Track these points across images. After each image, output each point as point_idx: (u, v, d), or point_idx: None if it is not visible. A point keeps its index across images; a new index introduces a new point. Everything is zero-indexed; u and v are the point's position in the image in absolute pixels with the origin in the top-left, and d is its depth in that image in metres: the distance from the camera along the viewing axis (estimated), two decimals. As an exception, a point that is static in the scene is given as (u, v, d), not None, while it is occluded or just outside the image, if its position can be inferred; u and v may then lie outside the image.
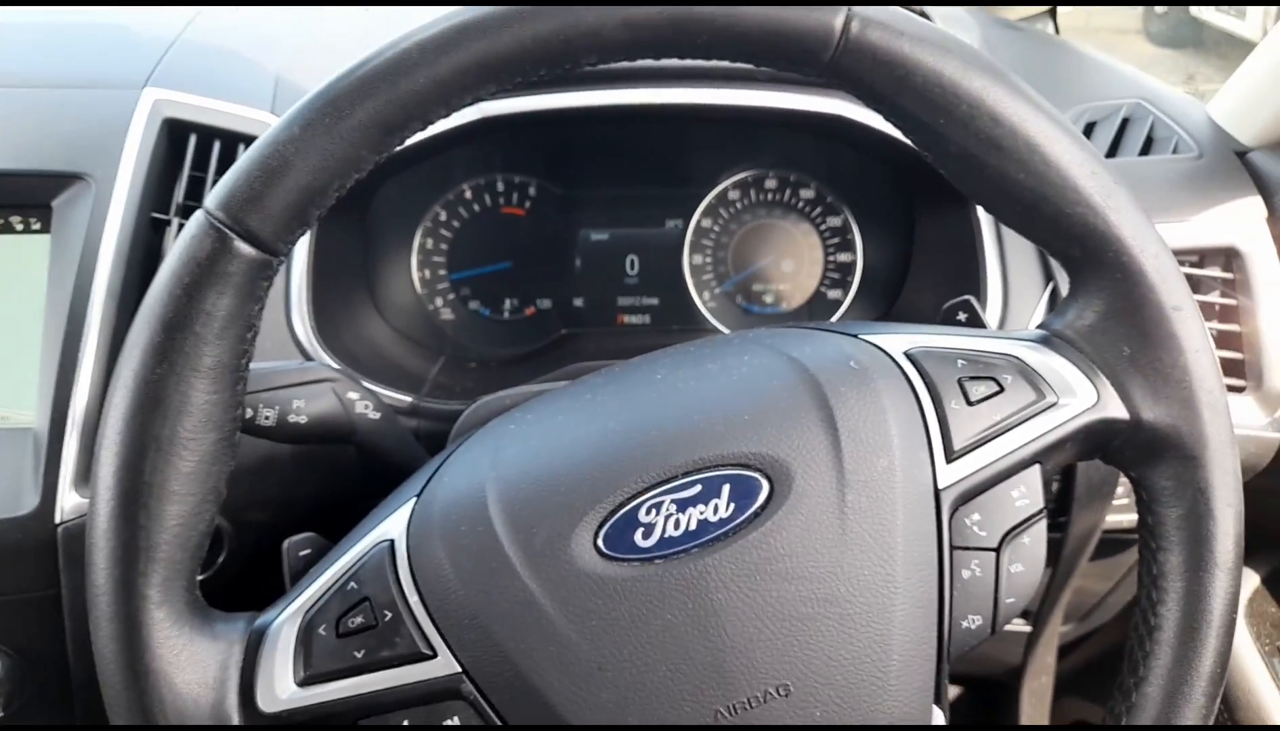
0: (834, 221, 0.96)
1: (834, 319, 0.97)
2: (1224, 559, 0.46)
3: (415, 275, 0.95)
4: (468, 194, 0.95)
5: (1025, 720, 0.94)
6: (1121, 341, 0.47)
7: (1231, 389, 0.81)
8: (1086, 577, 0.91)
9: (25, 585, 0.72)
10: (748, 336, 0.53)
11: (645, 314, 0.97)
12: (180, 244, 0.44)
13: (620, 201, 0.96)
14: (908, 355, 0.49)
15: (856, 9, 0.44)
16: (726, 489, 0.45)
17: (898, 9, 0.45)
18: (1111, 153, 0.87)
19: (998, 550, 0.46)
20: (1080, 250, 0.47)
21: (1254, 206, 0.83)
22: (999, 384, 0.47)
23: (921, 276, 0.92)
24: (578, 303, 0.97)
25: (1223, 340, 0.82)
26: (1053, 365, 0.48)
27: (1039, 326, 0.51)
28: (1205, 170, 0.85)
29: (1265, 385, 0.80)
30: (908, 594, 0.44)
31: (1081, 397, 0.47)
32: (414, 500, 0.49)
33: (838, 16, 0.43)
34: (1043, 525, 0.47)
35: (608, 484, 0.45)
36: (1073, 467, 0.80)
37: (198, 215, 0.43)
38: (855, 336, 0.51)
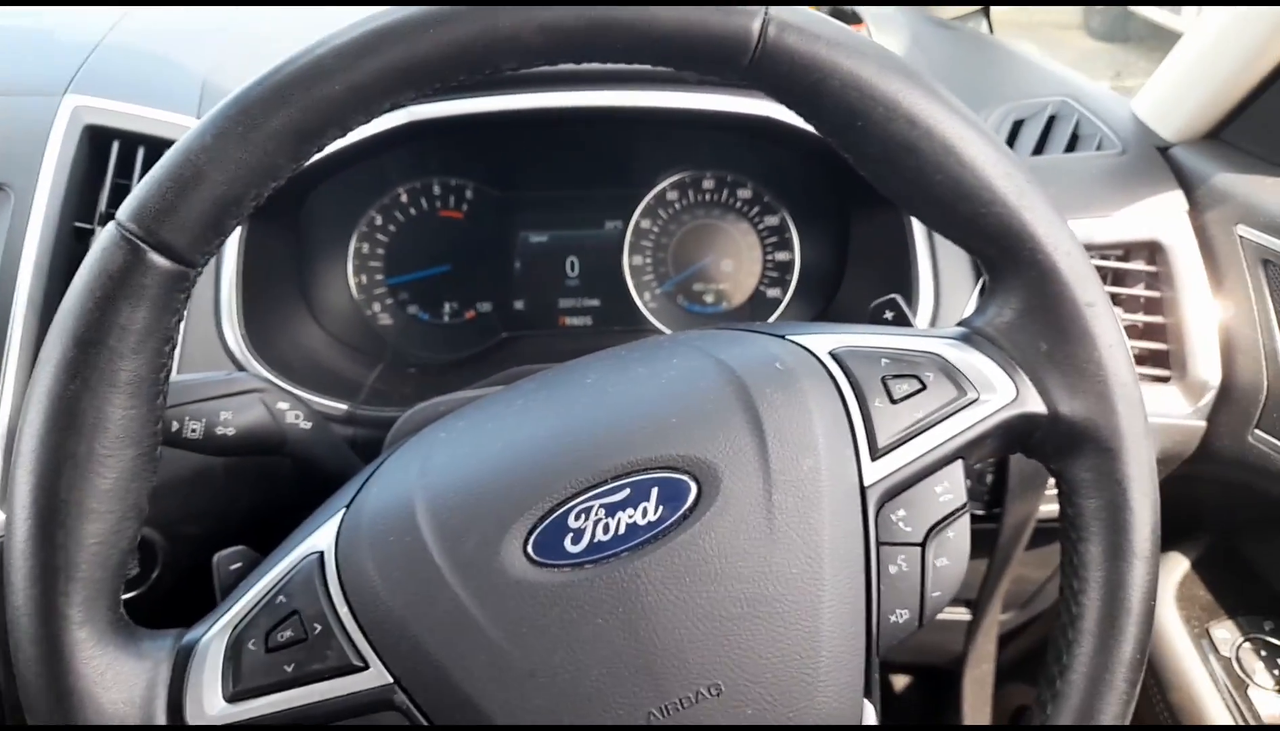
0: (771, 220, 0.97)
1: (773, 317, 0.97)
2: (1141, 548, 0.47)
3: (351, 281, 0.94)
4: (404, 197, 0.94)
5: (967, 708, 0.96)
6: (1038, 338, 0.48)
7: (1157, 379, 0.84)
8: (1025, 566, 0.93)
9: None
10: (678, 339, 0.53)
11: (586, 315, 0.97)
12: (92, 257, 0.42)
13: (559, 203, 0.96)
14: (833, 355, 0.49)
15: (773, 12, 0.44)
16: (655, 492, 0.45)
17: (814, 12, 0.46)
18: (1038, 150, 0.89)
19: (923, 545, 0.47)
20: (996, 250, 0.48)
21: (1176, 201, 0.85)
22: (921, 381, 0.48)
23: (857, 275, 0.93)
24: (518, 305, 0.97)
25: (1148, 332, 0.85)
26: (973, 362, 0.49)
27: (960, 324, 0.52)
28: (1128, 166, 0.87)
29: (1189, 375, 0.82)
30: (835, 590, 0.45)
31: (1001, 393, 0.48)
32: (343, 511, 0.48)
33: (755, 20, 0.44)
34: (966, 519, 0.48)
35: (536, 490, 0.45)
36: (1005, 460, 0.82)
37: (110, 227, 0.42)
38: (783, 337, 0.51)
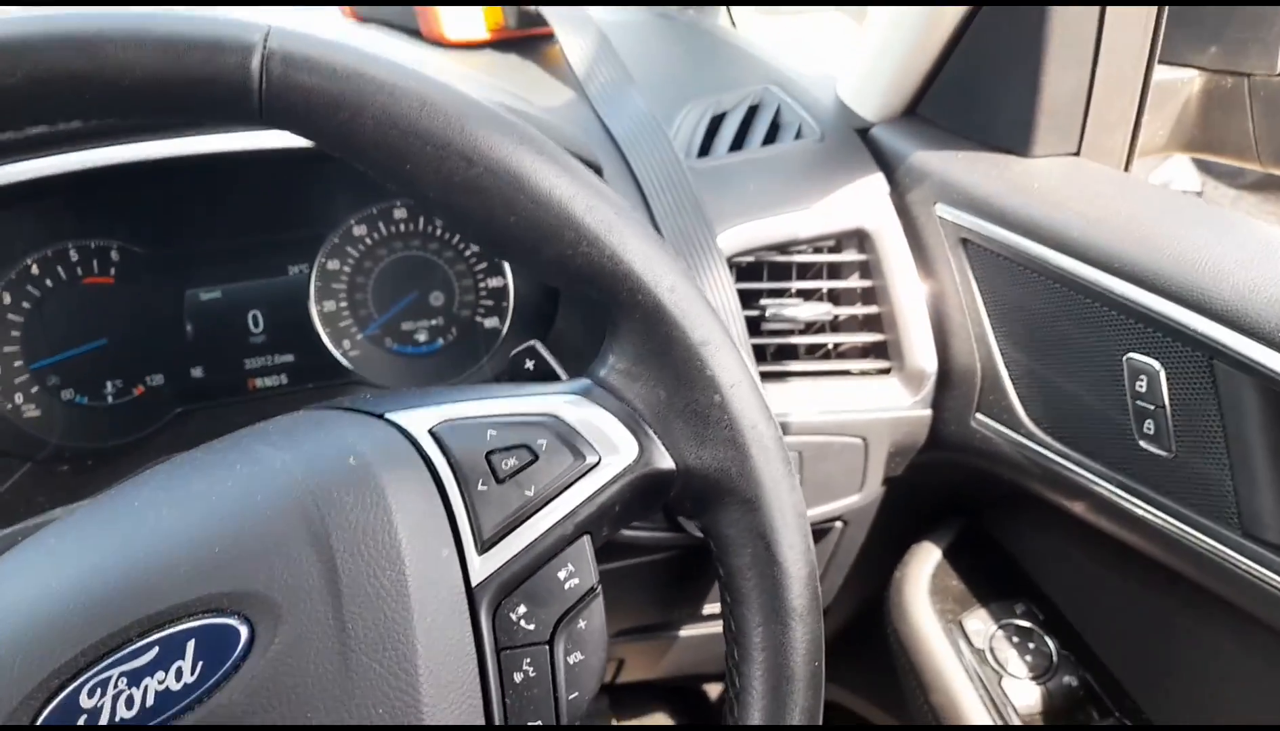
0: (477, 245, 0.89)
1: (494, 349, 0.89)
2: (797, 604, 0.42)
3: (-19, 372, 0.79)
4: (34, 269, 0.80)
5: None
6: (657, 385, 0.42)
7: (880, 371, 0.81)
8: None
9: None
10: (257, 434, 0.44)
11: (281, 374, 0.86)
12: None
13: (228, 254, 0.84)
14: (432, 433, 0.42)
15: (274, 44, 0.36)
16: (191, 646, 0.36)
17: (322, 38, 0.37)
18: (737, 145, 0.84)
19: (550, 642, 0.40)
20: (597, 291, 0.42)
21: (877, 184, 0.82)
22: (532, 451, 0.41)
23: (570, 301, 0.86)
24: (196, 373, 0.84)
25: (867, 323, 0.82)
26: (591, 419, 0.42)
27: (584, 375, 0.45)
28: (828, 152, 0.84)
29: (908, 364, 0.79)
30: (441, 719, 0.37)
31: (624, 452, 0.42)
32: None
33: (253, 58, 0.35)
34: (598, 603, 0.41)
35: (37, 667, 0.35)
36: None
37: None
38: (380, 416, 0.43)
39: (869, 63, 0.87)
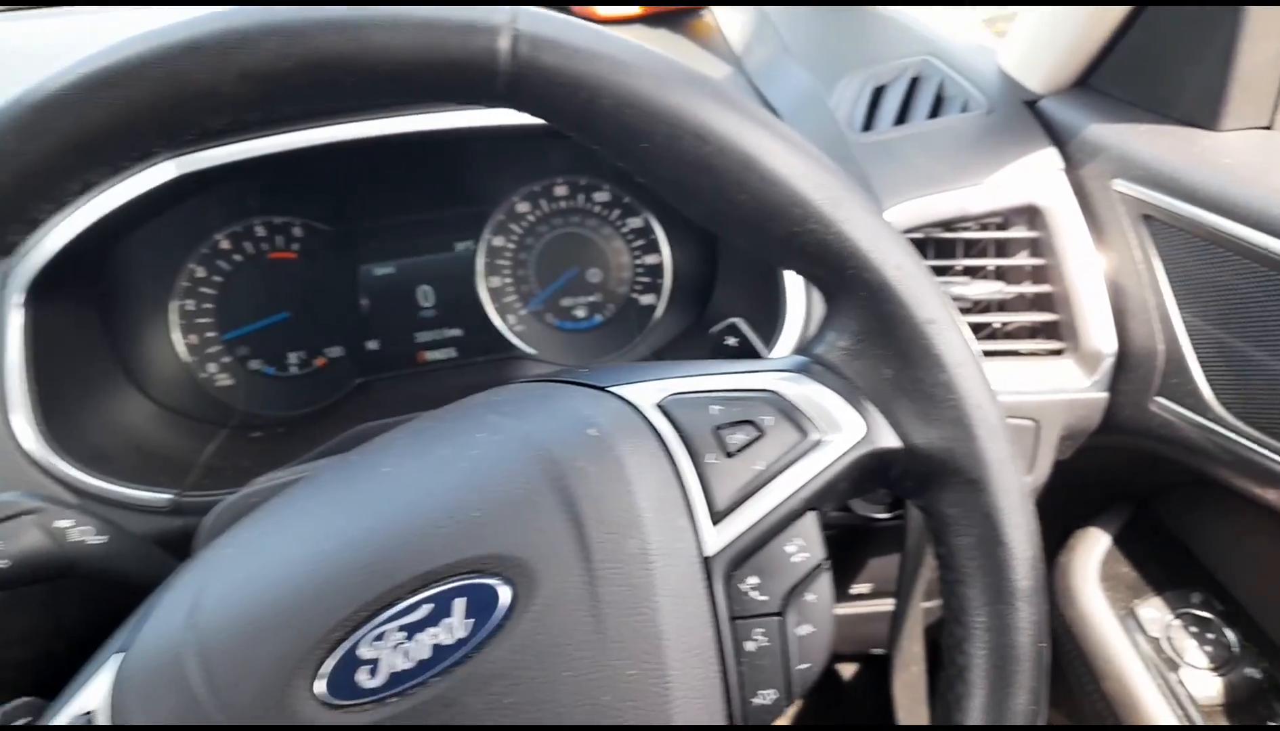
0: (635, 222, 0.90)
1: (650, 325, 0.91)
2: (1022, 586, 0.42)
3: (179, 342, 0.85)
4: (225, 244, 0.85)
5: (901, 713, 0.91)
6: (880, 363, 0.42)
7: (1051, 352, 0.79)
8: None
9: None
10: (489, 404, 0.46)
11: (449, 347, 0.90)
12: None
13: (401, 230, 0.87)
14: (660, 407, 0.43)
15: (523, 25, 0.37)
16: (461, 604, 0.38)
17: (572, 21, 0.39)
18: (901, 118, 0.83)
19: (781, 613, 0.41)
20: (822, 269, 0.42)
21: (1050, 158, 0.80)
22: (758, 427, 0.42)
23: (729, 277, 0.86)
24: (372, 345, 0.88)
25: (1037, 303, 0.80)
26: (813, 397, 0.43)
27: (799, 351, 0.46)
28: (996, 125, 0.82)
29: (1083, 345, 0.77)
30: (685, 684, 0.39)
31: (848, 431, 0.42)
32: (120, 656, 0.41)
33: (501, 38, 0.37)
34: (827, 578, 0.42)
35: (320, 620, 0.38)
36: None
37: None
38: (604, 390, 0.44)
39: (1038, 33, 0.85)
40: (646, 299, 0.91)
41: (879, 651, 1.08)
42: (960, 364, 0.41)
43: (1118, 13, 0.76)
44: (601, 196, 0.89)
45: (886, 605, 0.98)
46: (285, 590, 0.39)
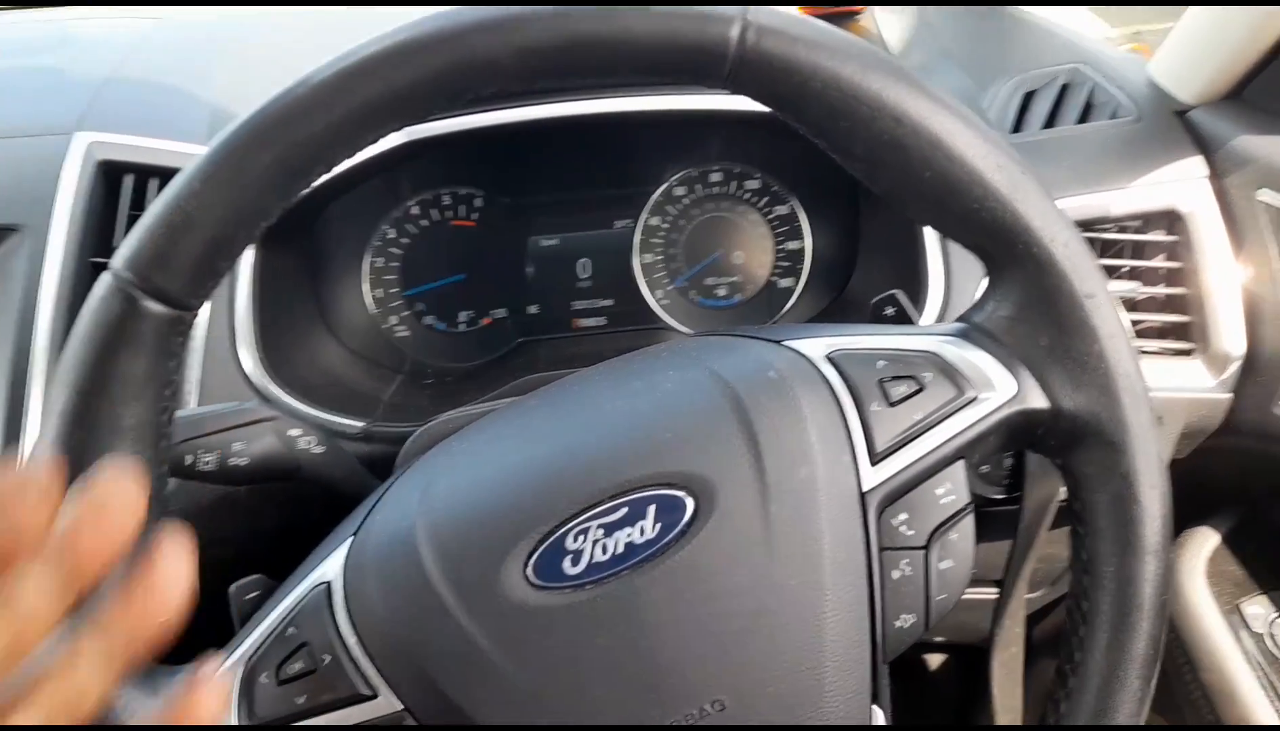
0: (781, 210, 0.96)
1: (786, 306, 0.97)
2: (1151, 542, 0.46)
3: (368, 295, 0.95)
4: (415, 210, 0.95)
5: (997, 691, 0.95)
6: (1038, 332, 0.47)
7: (1179, 352, 0.82)
8: (1054, 544, 0.92)
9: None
10: (675, 349, 0.53)
11: (600, 316, 0.98)
12: (89, 306, 0.44)
13: (568, 206, 0.96)
14: (829, 359, 0.49)
15: (752, 16, 0.44)
16: (652, 510, 0.45)
17: (794, 13, 0.45)
18: (1050, 122, 0.87)
19: (926, 548, 0.47)
20: (992, 243, 0.47)
21: (1195, 167, 0.83)
22: (919, 382, 0.48)
23: (869, 263, 0.92)
24: (532, 310, 0.97)
25: (1169, 304, 0.83)
26: (971, 359, 0.48)
27: (959, 319, 0.51)
28: (1144, 133, 0.85)
29: (1213, 347, 0.80)
30: (837, 599, 0.45)
31: (1001, 390, 0.48)
32: (351, 538, 0.49)
33: (733, 28, 0.43)
34: (969, 520, 0.48)
35: (533, 513, 0.45)
36: None
37: (105, 276, 0.43)
38: (778, 343, 0.51)
39: (1192, 44, 0.87)
40: (785, 282, 0.97)
41: (969, 642, 1.12)
42: (1113, 336, 0.46)
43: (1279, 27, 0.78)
44: (752, 184, 0.96)
45: (985, 594, 1.02)
46: (506, 487, 0.47)
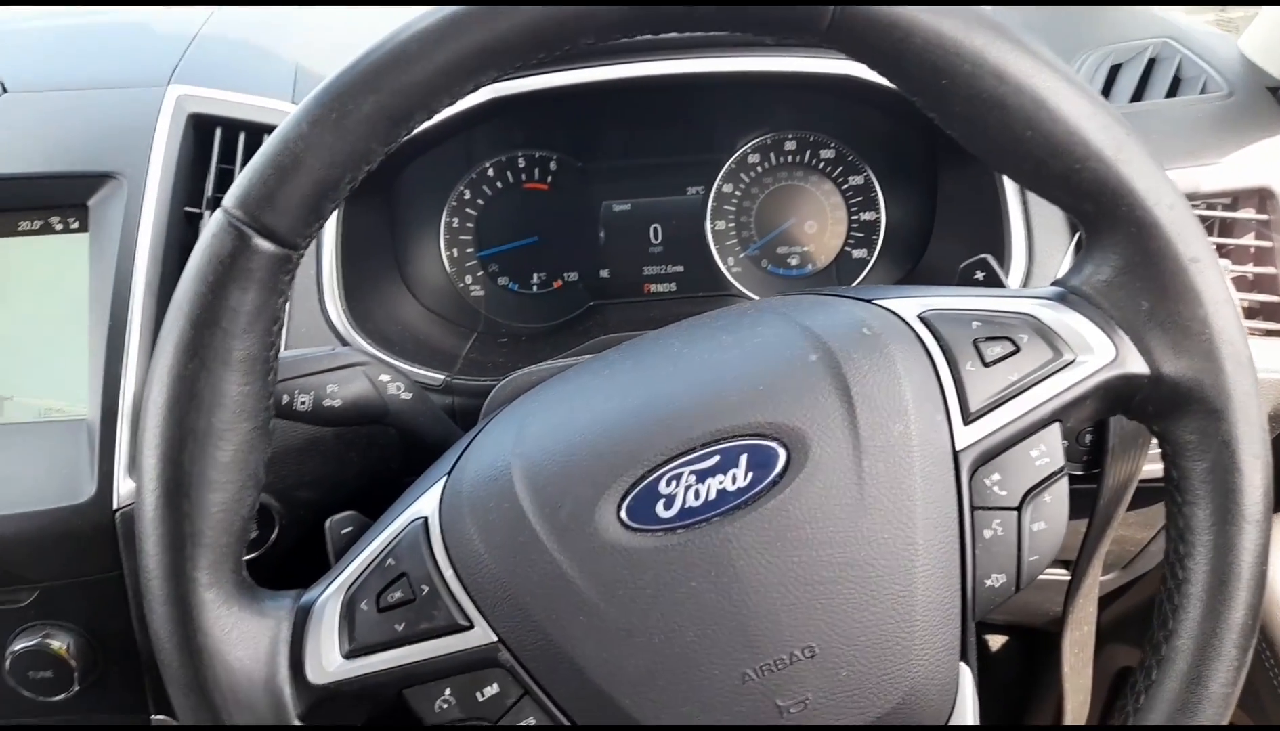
0: (856, 180, 0.96)
1: (859, 279, 0.96)
2: (1252, 511, 0.46)
3: (444, 254, 0.96)
4: (490, 172, 0.96)
5: (1067, 669, 0.94)
6: (1139, 296, 0.47)
7: (1269, 333, 0.80)
8: (1128, 526, 0.91)
9: (89, 568, 0.75)
10: (762, 306, 0.53)
11: (671, 282, 0.98)
12: (203, 242, 0.45)
13: (641, 171, 0.96)
14: (922, 318, 0.49)
15: None
16: (744, 459, 0.46)
17: None
18: (1138, 95, 0.85)
19: (1019, 509, 0.47)
20: (1093, 205, 0.46)
21: (1288, 144, 0.81)
22: (1015, 343, 0.48)
23: (946, 233, 0.91)
24: (604, 274, 0.98)
25: (1258, 284, 0.81)
26: (1069, 322, 0.48)
27: (1055, 283, 0.51)
28: (1236, 109, 0.83)
29: (1302, 327, 0.78)
30: (929, 555, 0.45)
31: (1100, 354, 0.47)
32: (445, 478, 0.50)
33: None
34: (1064, 483, 0.48)
35: (628, 458, 0.46)
36: (1105, 419, 0.79)
37: (217, 214, 0.45)
38: (869, 302, 0.51)
39: (1289, 19, 0.85)
40: (859, 253, 0.97)
41: (1033, 624, 1.10)
42: (1218, 300, 0.45)
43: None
44: (827, 153, 0.95)
45: (1055, 575, 1.00)
46: (601, 432, 0.48)
